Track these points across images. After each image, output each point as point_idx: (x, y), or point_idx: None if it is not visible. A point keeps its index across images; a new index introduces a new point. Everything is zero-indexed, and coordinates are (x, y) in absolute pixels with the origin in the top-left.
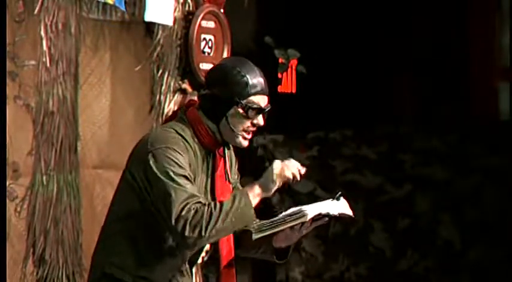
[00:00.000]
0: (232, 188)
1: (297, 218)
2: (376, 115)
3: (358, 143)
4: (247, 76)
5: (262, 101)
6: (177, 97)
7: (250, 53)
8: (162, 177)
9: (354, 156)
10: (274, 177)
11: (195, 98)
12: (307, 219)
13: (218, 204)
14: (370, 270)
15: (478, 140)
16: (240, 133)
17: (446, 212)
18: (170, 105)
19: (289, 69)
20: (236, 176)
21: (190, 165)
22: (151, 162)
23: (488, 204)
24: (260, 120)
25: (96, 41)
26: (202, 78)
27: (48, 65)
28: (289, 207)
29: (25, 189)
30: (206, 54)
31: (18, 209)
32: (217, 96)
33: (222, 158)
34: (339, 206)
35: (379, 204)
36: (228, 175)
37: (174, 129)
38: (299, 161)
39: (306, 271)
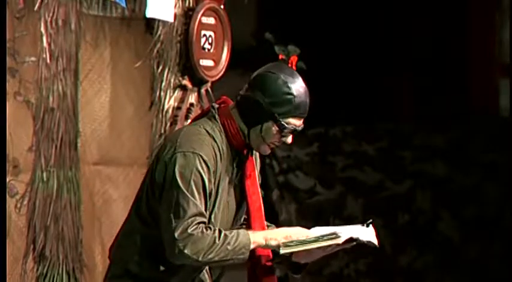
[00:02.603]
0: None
1: (330, 239)
2: (376, 112)
3: (359, 139)
4: (295, 97)
5: (299, 122)
6: (177, 93)
7: (251, 49)
8: (180, 183)
9: (354, 153)
10: (279, 238)
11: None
12: (340, 242)
13: (223, 236)
14: (370, 266)
15: (478, 136)
16: (268, 144)
17: (446, 208)
18: (170, 102)
19: (289, 66)
20: (259, 180)
21: (215, 172)
22: (174, 164)
23: (487, 200)
24: (289, 139)
25: (96, 38)
26: (202, 75)
27: (48, 61)
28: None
29: (25, 185)
30: (206, 50)
31: (19, 205)
32: (259, 103)
33: (252, 159)
34: (368, 233)
35: (379, 201)
36: (257, 175)
37: (205, 128)
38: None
39: None
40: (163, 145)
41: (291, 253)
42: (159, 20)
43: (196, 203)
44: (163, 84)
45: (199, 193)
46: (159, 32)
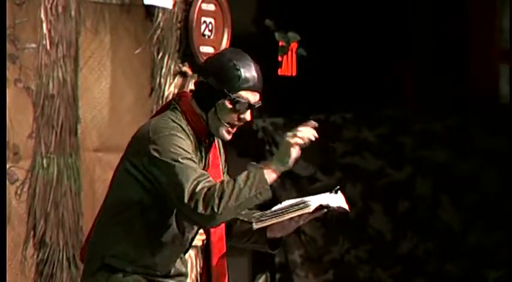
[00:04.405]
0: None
1: (300, 209)
2: (376, 98)
3: (359, 125)
4: (241, 70)
5: (252, 96)
6: (178, 80)
7: (251, 36)
8: (169, 161)
9: (354, 139)
10: (287, 147)
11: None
12: (311, 211)
13: (231, 181)
14: (370, 252)
15: (478, 122)
16: (225, 125)
17: (447, 195)
18: (170, 88)
19: (289, 52)
20: (226, 167)
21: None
22: (155, 150)
23: (488, 186)
24: (247, 115)
25: (97, 24)
26: (202, 61)
27: (48, 47)
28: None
29: (25, 172)
30: (206, 37)
31: (19, 191)
32: (210, 85)
33: (215, 148)
34: (337, 199)
35: (379, 187)
36: (221, 165)
37: (170, 118)
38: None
39: (305, 254)
40: (134, 138)
41: (265, 228)
42: (158, 7)
43: (194, 168)
44: (164, 70)
45: (189, 159)
46: (159, 19)
